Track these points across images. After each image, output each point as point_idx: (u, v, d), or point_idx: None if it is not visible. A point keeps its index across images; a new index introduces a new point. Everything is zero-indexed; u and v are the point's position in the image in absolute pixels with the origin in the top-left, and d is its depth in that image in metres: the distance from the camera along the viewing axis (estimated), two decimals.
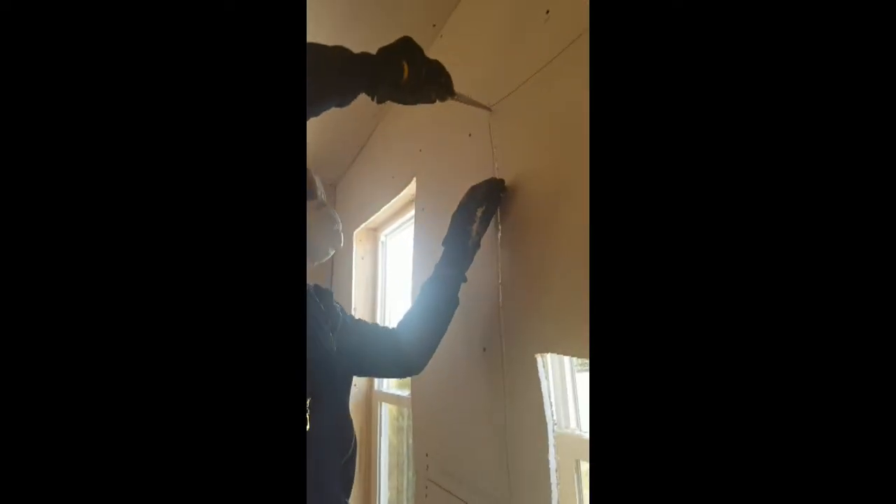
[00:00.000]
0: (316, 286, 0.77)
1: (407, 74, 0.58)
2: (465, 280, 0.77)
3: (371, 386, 1.68)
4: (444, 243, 0.77)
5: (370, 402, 1.67)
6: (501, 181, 0.77)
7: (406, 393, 1.37)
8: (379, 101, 0.60)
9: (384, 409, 1.63)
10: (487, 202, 0.74)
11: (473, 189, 0.76)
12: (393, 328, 0.80)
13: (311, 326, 0.66)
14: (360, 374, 0.80)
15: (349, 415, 0.70)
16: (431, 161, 1.11)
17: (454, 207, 0.97)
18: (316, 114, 0.54)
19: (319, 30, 1.09)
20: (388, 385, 1.63)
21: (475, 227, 0.74)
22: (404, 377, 0.83)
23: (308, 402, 0.59)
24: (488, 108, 0.85)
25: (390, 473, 1.61)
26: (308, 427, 0.57)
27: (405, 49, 0.58)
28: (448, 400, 0.93)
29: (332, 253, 0.75)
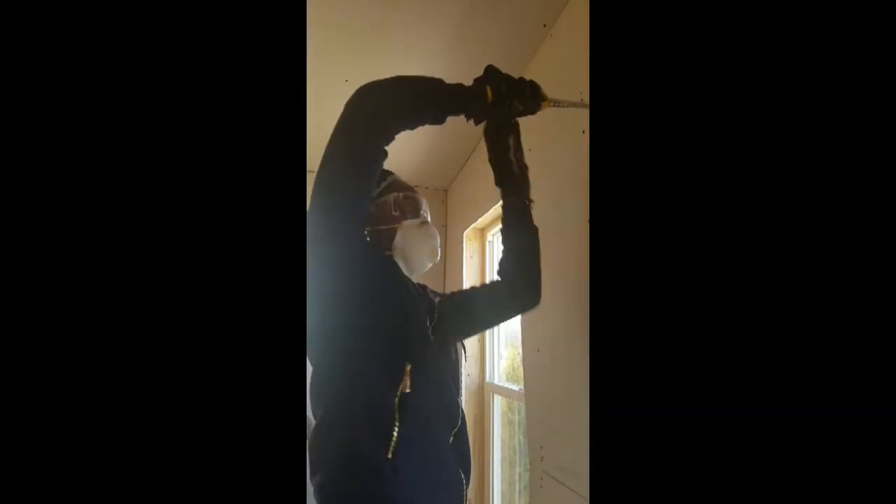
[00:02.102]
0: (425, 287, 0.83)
1: (490, 96, 0.69)
2: (530, 201, 0.81)
3: (483, 378, 1.75)
4: (497, 184, 0.82)
5: (483, 394, 1.74)
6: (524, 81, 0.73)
7: (518, 387, 1.40)
8: (475, 123, 0.73)
9: (496, 401, 1.68)
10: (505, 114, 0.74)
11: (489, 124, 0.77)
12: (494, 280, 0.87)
13: (411, 306, 0.71)
14: (473, 332, 0.87)
15: (455, 390, 0.73)
16: (540, 160, 1.12)
17: (568, 204, 0.98)
18: (412, 127, 0.68)
19: (439, 32, 1.17)
20: (500, 378, 1.68)
21: (511, 154, 0.78)
22: (522, 312, 0.89)
23: (409, 368, 0.63)
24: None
25: (502, 466, 1.65)
26: (409, 391, 0.62)
27: (487, 75, 0.71)
28: (562, 397, 0.94)
29: (429, 265, 0.81)
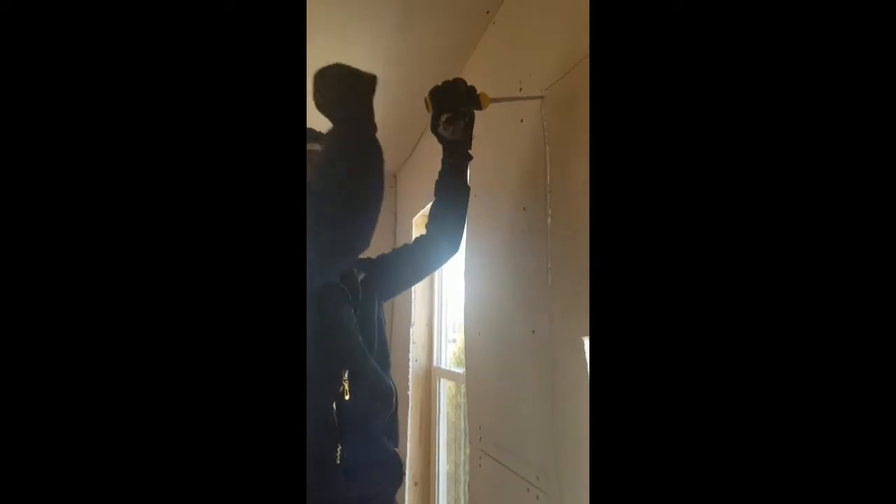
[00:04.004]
0: (345, 276, 0.81)
1: (430, 106, 0.76)
2: (469, 158, 0.86)
3: (430, 362, 1.77)
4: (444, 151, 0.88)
5: (430, 378, 1.76)
6: (459, 82, 0.77)
7: (464, 370, 1.43)
8: (443, 137, 0.81)
9: (443, 385, 1.71)
10: (445, 107, 0.78)
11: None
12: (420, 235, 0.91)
13: (343, 318, 0.71)
14: (400, 292, 0.91)
15: (387, 377, 0.75)
16: (484, 148, 1.14)
17: (505, 193, 1.00)
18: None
19: (381, 19, 1.14)
20: (447, 362, 1.71)
21: (440, 130, 0.81)
22: (445, 263, 0.94)
23: (345, 375, 0.66)
24: (537, 97, 0.86)
25: (448, 448, 1.69)
26: (348, 398, 0.65)
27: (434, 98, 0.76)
28: (499, 378, 0.97)
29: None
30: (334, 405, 0.63)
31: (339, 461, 0.62)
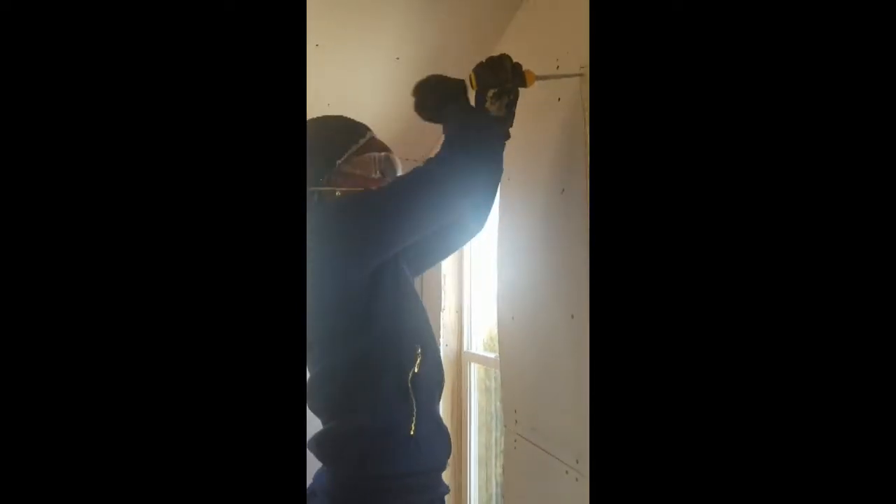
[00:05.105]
0: None
1: (475, 83, 0.73)
2: (507, 137, 0.78)
3: (460, 347, 1.78)
4: None
5: (460, 363, 1.78)
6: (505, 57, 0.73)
7: (494, 355, 1.44)
8: (492, 111, 0.76)
9: (473, 368, 1.72)
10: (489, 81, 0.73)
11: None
12: None
13: (412, 293, 0.75)
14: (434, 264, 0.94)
15: (439, 356, 0.80)
16: (518, 129, 1.12)
17: (541, 174, 0.98)
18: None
19: None
20: (477, 347, 1.72)
21: (487, 106, 0.74)
22: (472, 237, 0.91)
23: (419, 349, 0.69)
24: (578, 75, 0.83)
25: (479, 431, 1.71)
26: (420, 370, 0.68)
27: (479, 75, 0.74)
28: (536, 362, 0.97)
29: None
30: (409, 379, 0.65)
31: (412, 434, 0.65)
